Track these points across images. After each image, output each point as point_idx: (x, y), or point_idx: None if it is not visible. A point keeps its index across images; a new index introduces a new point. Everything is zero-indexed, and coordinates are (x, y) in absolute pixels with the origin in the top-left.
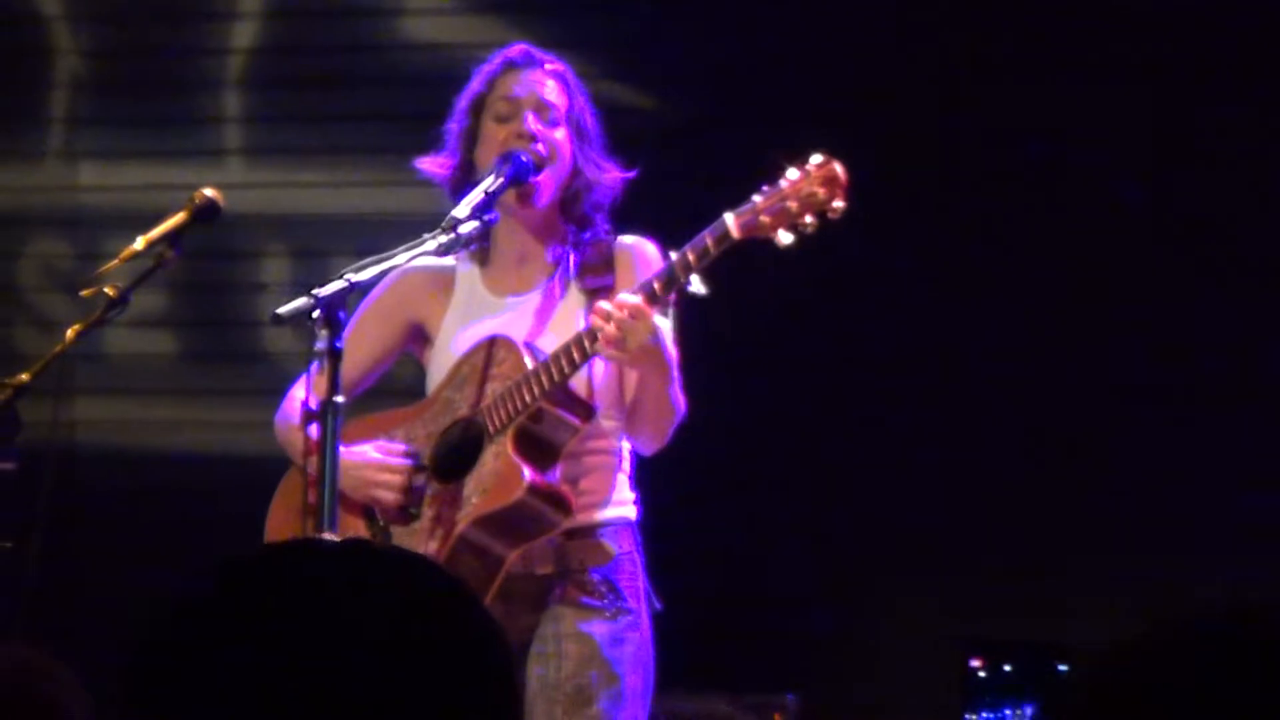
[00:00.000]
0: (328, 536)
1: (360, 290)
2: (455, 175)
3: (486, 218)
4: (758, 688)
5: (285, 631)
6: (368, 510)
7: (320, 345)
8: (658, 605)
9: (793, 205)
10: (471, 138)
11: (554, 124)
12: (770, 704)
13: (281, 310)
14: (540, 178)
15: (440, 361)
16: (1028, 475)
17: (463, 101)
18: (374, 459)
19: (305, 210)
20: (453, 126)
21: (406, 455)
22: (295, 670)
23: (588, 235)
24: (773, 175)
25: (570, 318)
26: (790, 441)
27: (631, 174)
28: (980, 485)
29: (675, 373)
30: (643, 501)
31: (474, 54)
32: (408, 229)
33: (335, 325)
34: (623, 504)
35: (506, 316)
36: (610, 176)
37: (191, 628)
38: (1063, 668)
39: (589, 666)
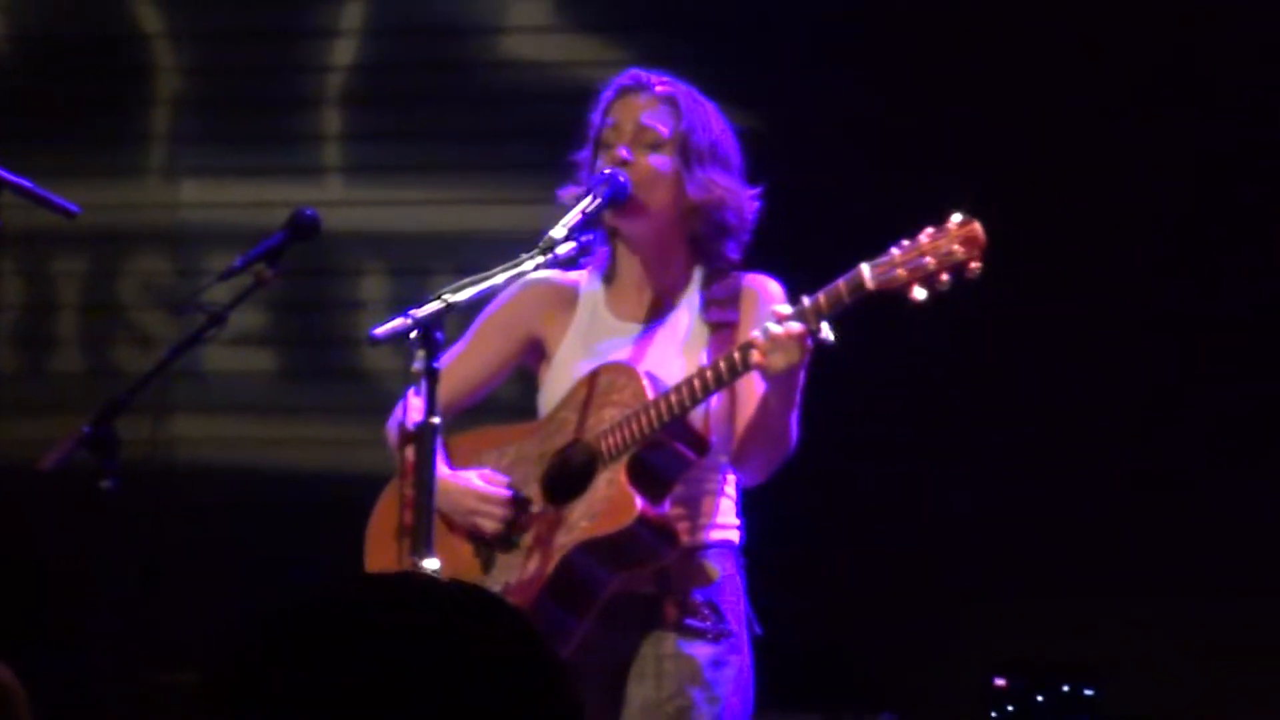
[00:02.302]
0: (424, 562)
1: (458, 311)
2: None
3: (583, 238)
4: (855, 708)
5: (353, 665)
6: (472, 532)
7: (417, 365)
8: (758, 629)
9: (930, 262)
10: (591, 167)
11: (654, 147)
12: None
13: (378, 330)
14: (633, 199)
15: (557, 378)
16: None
17: (588, 132)
18: (476, 487)
19: (404, 228)
20: (580, 157)
21: (510, 486)
22: (362, 702)
23: (713, 265)
24: (911, 230)
25: (695, 350)
26: (883, 462)
27: (754, 193)
28: (1066, 508)
29: (798, 399)
30: (745, 526)
31: (573, 72)
32: (507, 248)
33: (432, 345)
34: (727, 528)
35: (629, 342)
36: (731, 198)
37: (266, 657)
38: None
39: (691, 687)
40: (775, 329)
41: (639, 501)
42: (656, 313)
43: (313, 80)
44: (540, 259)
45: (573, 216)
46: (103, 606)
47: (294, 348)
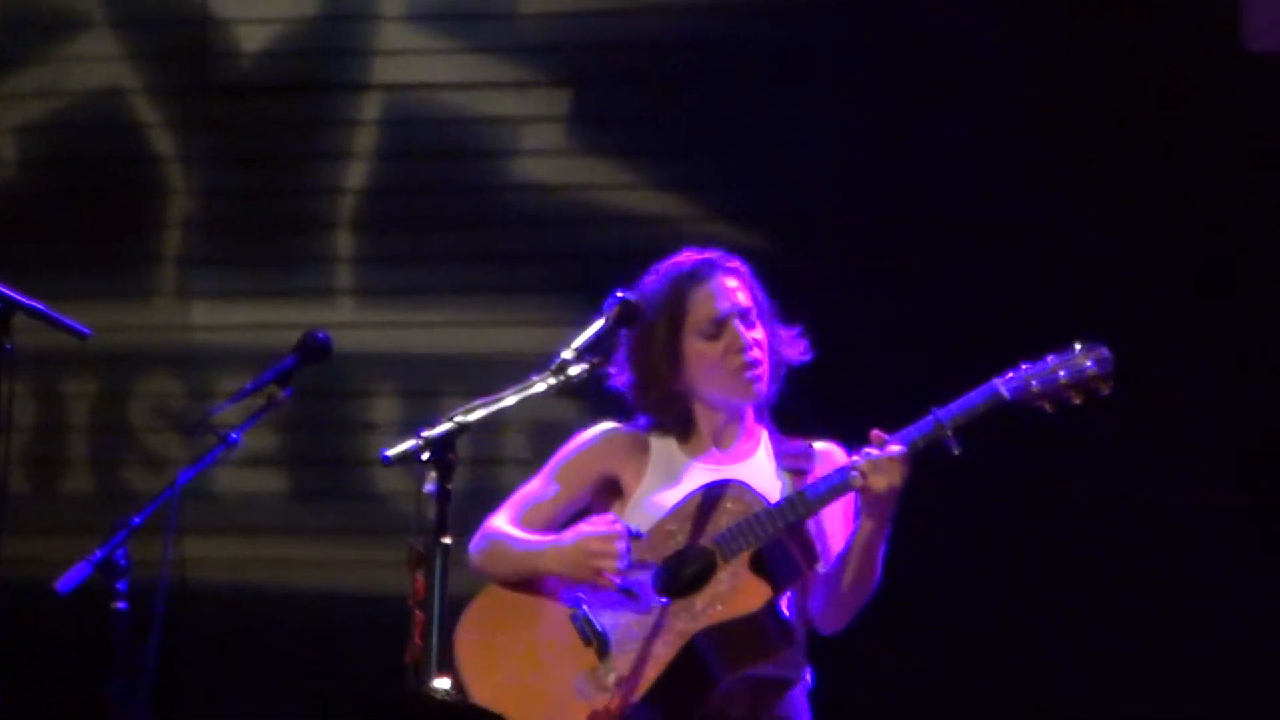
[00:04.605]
0: (434, 683)
1: (470, 433)
2: (658, 396)
3: (594, 361)
4: None
5: None
6: (581, 626)
7: (429, 488)
8: None
9: (1063, 378)
10: (676, 359)
11: (752, 325)
12: None
13: (391, 452)
14: (761, 373)
15: (638, 510)
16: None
17: (652, 316)
18: (589, 532)
19: (416, 350)
20: (643, 345)
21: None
22: None
23: (776, 423)
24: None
25: (776, 491)
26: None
27: (805, 356)
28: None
29: (889, 530)
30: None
31: (585, 195)
32: (518, 370)
33: (444, 467)
34: (807, 669)
35: (714, 473)
36: (796, 350)
37: None
38: None
39: None
40: (876, 452)
41: (768, 588)
42: (737, 458)
43: (324, 203)
44: (552, 381)
45: (583, 338)
46: None
47: (306, 469)
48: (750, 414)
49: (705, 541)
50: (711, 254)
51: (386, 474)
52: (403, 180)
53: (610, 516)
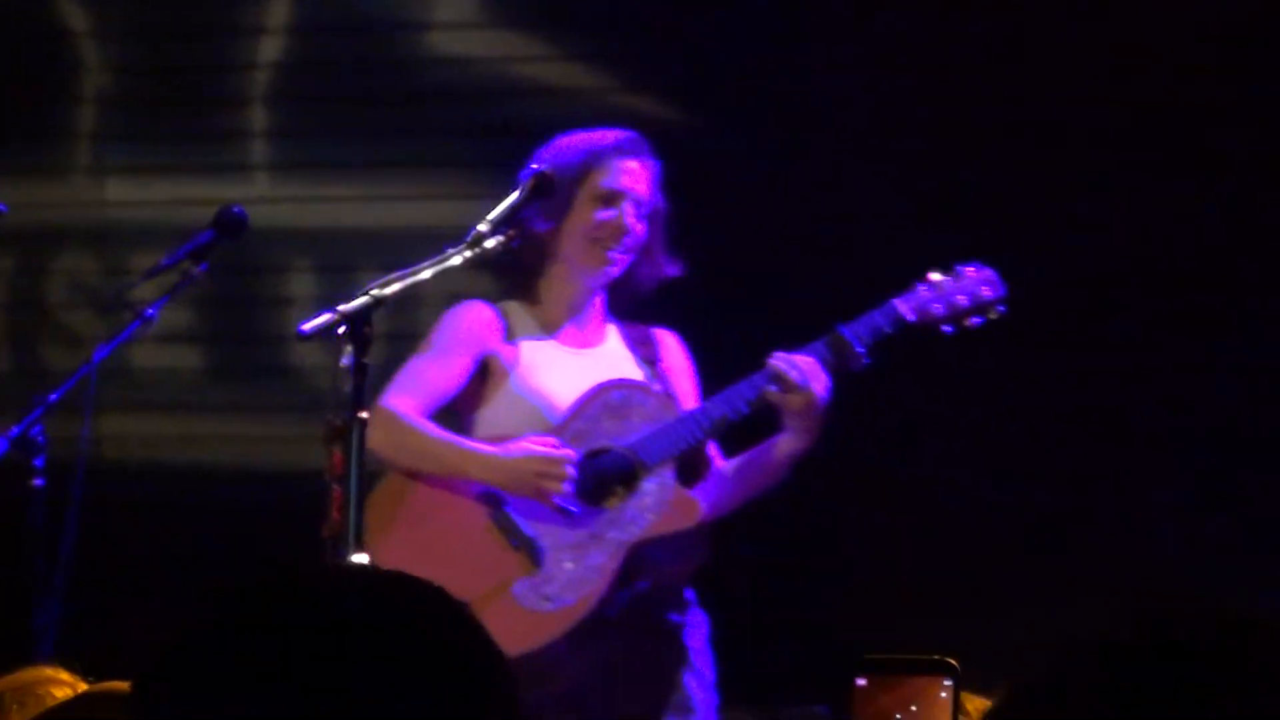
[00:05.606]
0: (356, 558)
1: (386, 307)
2: (526, 232)
3: (509, 233)
4: (791, 699)
5: (288, 658)
6: (504, 523)
7: (345, 361)
8: None
9: (961, 300)
10: (563, 208)
11: (641, 220)
12: (803, 717)
13: (307, 326)
14: (621, 257)
15: (509, 396)
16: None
17: (562, 160)
18: (538, 451)
19: (331, 225)
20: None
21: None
22: (298, 697)
23: (615, 309)
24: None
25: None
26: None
27: (677, 272)
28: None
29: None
30: None
31: (499, 68)
32: (434, 244)
33: (360, 341)
34: None
35: (586, 365)
36: (662, 271)
37: (192, 656)
38: None
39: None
40: (790, 359)
41: (698, 504)
42: (591, 340)
43: (239, 78)
44: (468, 254)
45: (498, 211)
46: (33, 605)
47: (221, 345)
48: (600, 304)
49: (621, 446)
50: (642, 141)
51: (303, 349)
52: (316, 54)
53: (554, 440)
